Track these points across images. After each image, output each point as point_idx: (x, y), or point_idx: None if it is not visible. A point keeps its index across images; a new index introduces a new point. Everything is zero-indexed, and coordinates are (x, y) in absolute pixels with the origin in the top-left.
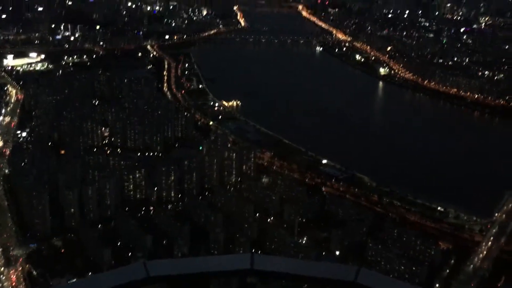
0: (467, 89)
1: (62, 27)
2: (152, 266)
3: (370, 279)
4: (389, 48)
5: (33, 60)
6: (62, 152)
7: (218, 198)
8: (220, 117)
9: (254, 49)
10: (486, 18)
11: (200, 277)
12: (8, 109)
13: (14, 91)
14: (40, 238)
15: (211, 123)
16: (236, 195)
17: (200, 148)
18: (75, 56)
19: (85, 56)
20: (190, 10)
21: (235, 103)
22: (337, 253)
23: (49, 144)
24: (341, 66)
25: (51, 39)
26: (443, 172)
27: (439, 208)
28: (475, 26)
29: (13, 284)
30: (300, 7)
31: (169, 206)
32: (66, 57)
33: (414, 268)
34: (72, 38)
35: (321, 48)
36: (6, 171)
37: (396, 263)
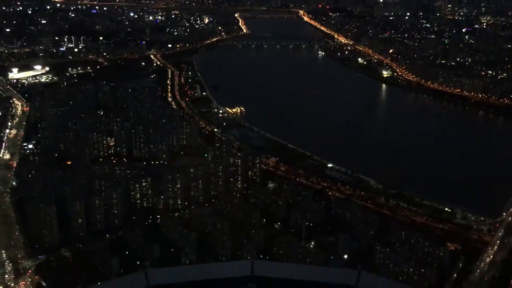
0: (471, 89)
1: (65, 39)
2: (152, 275)
3: (371, 283)
4: (391, 51)
5: (38, 73)
6: (68, 163)
7: (224, 205)
8: (224, 124)
9: (256, 55)
10: (488, 18)
11: (201, 285)
12: (14, 121)
13: (19, 104)
14: (48, 249)
15: (215, 130)
16: (243, 201)
17: (205, 155)
18: (79, 68)
19: (89, 67)
20: (192, 18)
21: (238, 109)
22: (345, 257)
23: (55, 155)
24: (343, 70)
25: (55, 51)
26: (449, 173)
27: (446, 209)
28: (476, 26)
29: None
30: (301, 12)
31: (176, 214)
32: (70, 68)
33: (423, 270)
34: (75, 50)
35: (323, 53)
36: (14, 183)
37: (405, 266)
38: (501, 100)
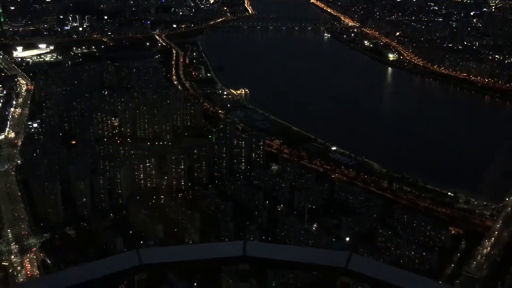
0: (477, 73)
1: (70, 18)
2: (145, 254)
3: (361, 265)
4: (398, 33)
5: (43, 51)
6: (73, 142)
7: (228, 186)
8: (228, 106)
9: (262, 36)
10: (496, 1)
11: (193, 265)
12: (19, 100)
13: (24, 83)
14: (53, 228)
15: (220, 111)
16: (246, 183)
17: (210, 136)
18: (84, 47)
19: (93, 47)
20: None
21: (243, 91)
22: (347, 239)
23: (60, 134)
24: (349, 53)
25: (59, 30)
26: (453, 157)
27: (449, 193)
28: (485, 9)
29: (28, 272)
30: None
31: (179, 195)
32: (74, 48)
33: (424, 254)
34: (80, 29)
35: (329, 35)
36: (19, 161)
37: (406, 249)
38: (507, 85)
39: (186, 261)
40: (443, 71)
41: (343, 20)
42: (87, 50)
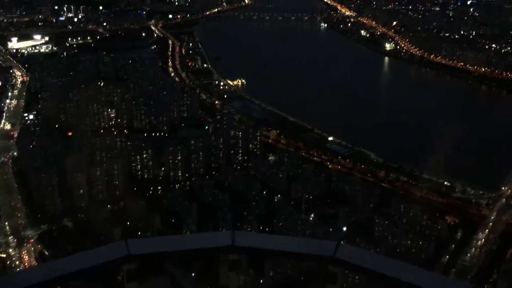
0: (474, 62)
1: (65, 9)
2: (133, 244)
3: (348, 254)
4: (394, 23)
5: (38, 42)
6: (69, 134)
7: (225, 177)
8: (225, 96)
9: (258, 26)
10: None
11: (181, 255)
12: (15, 92)
13: (19, 74)
14: (51, 219)
15: (216, 102)
16: (243, 173)
17: (206, 127)
18: (79, 38)
19: (88, 37)
20: None
21: (240, 81)
22: (344, 229)
23: (56, 126)
24: (346, 43)
25: (54, 21)
26: (450, 147)
27: (446, 182)
28: None
29: (26, 264)
30: None
31: (177, 186)
32: (70, 38)
33: (421, 243)
34: (75, 19)
35: (326, 25)
36: (15, 153)
37: (403, 238)
38: (504, 74)
39: (174, 251)
40: (440, 60)
41: (339, 10)
42: (83, 41)
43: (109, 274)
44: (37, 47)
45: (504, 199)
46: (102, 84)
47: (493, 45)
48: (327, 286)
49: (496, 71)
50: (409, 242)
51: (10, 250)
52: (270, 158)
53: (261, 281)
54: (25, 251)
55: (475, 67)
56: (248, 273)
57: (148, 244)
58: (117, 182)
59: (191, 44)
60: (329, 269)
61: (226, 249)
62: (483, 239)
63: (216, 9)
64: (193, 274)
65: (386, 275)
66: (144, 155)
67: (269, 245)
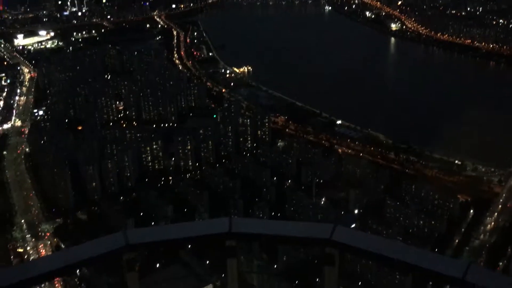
0: (482, 39)
1: (69, 3)
2: (132, 234)
3: (344, 236)
4: (400, 2)
5: (43, 38)
6: (79, 128)
7: (235, 164)
8: (232, 84)
9: (262, 12)
10: None
11: (179, 243)
12: (24, 88)
13: (27, 71)
14: (65, 213)
15: (223, 90)
16: (253, 160)
17: (214, 116)
18: (84, 32)
19: (93, 31)
20: None
21: (246, 69)
22: (356, 212)
23: (66, 121)
24: (351, 24)
25: (59, 16)
26: (460, 126)
27: (456, 161)
28: None
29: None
30: None
31: (187, 175)
32: (75, 33)
33: (433, 223)
34: (79, 14)
35: (330, 8)
36: (27, 149)
37: (414, 219)
38: None
39: (171, 239)
40: (447, 38)
41: None
42: (88, 35)
43: (109, 264)
44: (43, 43)
45: None
46: (109, 77)
47: (501, 21)
48: (325, 267)
49: (505, 47)
50: (421, 222)
51: (27, 245)
52: (279, 144)
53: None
54: (42, 245)
55: (483, 43)
56: (261, 258)
57: (145, 234)
58: (128, 174)
59: (195, 33)
60: (326, 251)
61: (224, 235)
62: (496, 217)
63: None
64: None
65: (383, 255)
66: (154, 146)
67: (266, 230)
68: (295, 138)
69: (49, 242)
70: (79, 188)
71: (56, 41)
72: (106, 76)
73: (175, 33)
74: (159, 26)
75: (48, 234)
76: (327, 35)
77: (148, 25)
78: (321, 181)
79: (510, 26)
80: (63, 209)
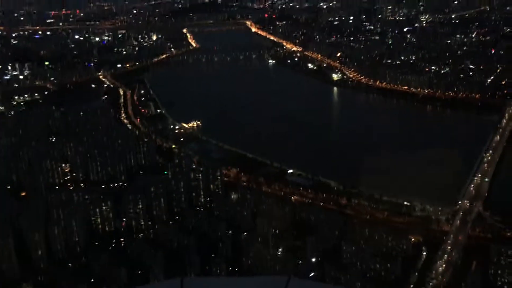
0: (417, 85)
1: (9, 67)
2: (188, 283)
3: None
4: (339, 54)
5: None
6: (23, 194)
7: (189, 220)
8: (182, 140)
9: (207, 68)
10: (426, 16)
11: None
12: None
13: None
14: (9, 285)
15: (173, 146)
16: (207, 215)
17: (166, 172)
18: (26, 95)
19: (36, 94)
20: (139, 37)
21: (195, 123)
22: (313, 260)
23: (9, 187)
24: (295, 76)
25: None
26: (407, 168)
27: (405, 203)
28: (417, 25)
29: None
30: (248, 23)
31: (140, 235)
32: (16, 96)
33: (389, 265)
34: (21, 77)
35: (274, 61)
36: None
37: (371, 262)
38: (445, 93)
39: None
40: (386, 86)
41: (285, 46)
42: (30, 98)
43: None
44: None
45: (461, 213)
46: (53, 139)
47: (433, 67)
48: None
49: (439, 91)
50: (377, 265)
51: None
52: (232, 196)
53: None
54: None
55: (419, 89)
56: None
57: (201, 284)
58: (77, 238)
59: (142, 91)
60: None
61: None
62: (447, 255)
63: (165, 55)
64: None
65: None
66: (104, 207)
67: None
68: (248, 189)
69: None
70: (24, 256)
71: None
72: (50, 138)
73: (121, 92)
74: (105, 85)
75: None
76: (273, 86)
77: (93, 85)
78: (277, 231)
79: (442, 72)
80: (8, 281)
